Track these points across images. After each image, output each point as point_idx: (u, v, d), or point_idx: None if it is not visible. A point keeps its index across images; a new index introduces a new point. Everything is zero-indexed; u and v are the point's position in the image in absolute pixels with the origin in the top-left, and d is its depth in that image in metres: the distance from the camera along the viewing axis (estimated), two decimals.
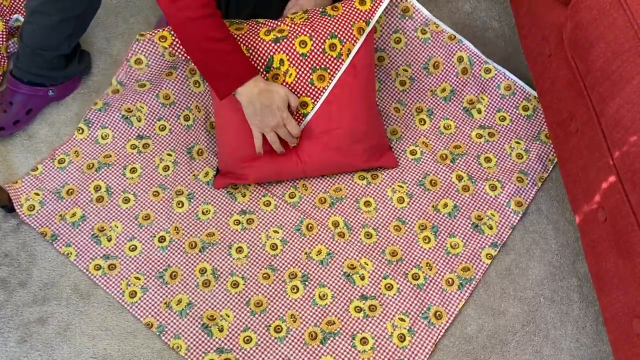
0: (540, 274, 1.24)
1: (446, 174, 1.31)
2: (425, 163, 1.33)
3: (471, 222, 1.27)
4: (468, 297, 1.20)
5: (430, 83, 1.40)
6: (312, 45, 1.19)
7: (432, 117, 1.38)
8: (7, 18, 1.46)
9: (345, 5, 1.24)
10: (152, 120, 1.33)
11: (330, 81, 1.20)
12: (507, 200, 1.29)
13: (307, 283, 1.20)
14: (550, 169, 1.34)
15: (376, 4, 1.23)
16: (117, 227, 1.25)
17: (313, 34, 1.20)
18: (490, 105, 1.39)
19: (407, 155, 1.34)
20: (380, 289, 1.20)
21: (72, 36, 1.32)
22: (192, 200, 1.29)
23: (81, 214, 1.26)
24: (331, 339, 1.15)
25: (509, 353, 1.16)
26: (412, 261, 1.23)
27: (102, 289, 1.20)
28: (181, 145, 1.33)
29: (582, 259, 1.25)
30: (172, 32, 1.20)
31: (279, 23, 1.21)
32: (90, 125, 1.33)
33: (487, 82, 1.39)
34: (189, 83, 1.35)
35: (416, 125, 1.38)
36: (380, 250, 1.24)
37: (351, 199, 1.29)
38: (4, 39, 1.43)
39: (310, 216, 1.27)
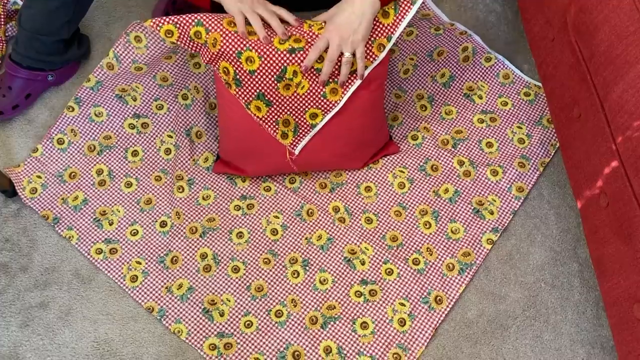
0: (541, 259, 1.23)
1: (447, 159, 1.31)
2: (427, 148, 1.32)
3: (472, 207, 1.26)
4: (468, 282, 1.20)
5: (431, 69, 1.39)
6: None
7: (433, 103, 1.37)
8: (5, 1, 1.44)
9: None
10: (149, 100, 1.32)
11: (343, 95, 1.16)
12: (508, 186, 1.29)
13: (307, 268, 1.20)
14: (552, 154, 1.33)
15: (400, 17, 1.12)
16: (119, 212, 1.25)
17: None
18: (491, 91, 1.38)
19: (409, 141, 1.33)
20: (380, 273, 1.20)
21: (72, 21, 1.31)
22: (192, 186, 1.28)
23: (83, 198, 1.25)
24: (331, 323, 1.16)
25: (509, 338, 1.16)
26: (412, 246, 1.23)
27: (103, 273, 1.20)
28: (180, 126, 1.32)
29: (583, 244, 1.25)
30: (178, 25, 1.12)
31: (295, 32, 1.12)
32: (81, 103, 1.31)
33: (486, 70, 1.39)
34: (189, 65, 1.34)
35: (417, 112, 1.37)
36: (381, 236, 1.24)
37: (352, 184, 1.29)
38: (2, 23, 1.42)
39: (310, 201, 1.27)
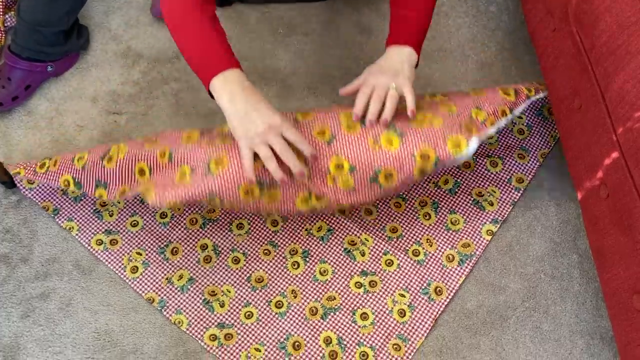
0: (541, 250, 1.24)
1: None
2: None
3: (472, 199, 1.26)
4: (468, 273, 1.21)
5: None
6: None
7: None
8: None
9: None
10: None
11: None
12: (508, 177, 1.29)
13: (307, 259, 1.21)
14: (553, 145, 1.33)
15: (519, 101, 1.12)
16: (119, 202, 1.25)
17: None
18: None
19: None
20: (380, 264, 1.20)
21: (71, 11, 1.31)
22: None
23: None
24: (332, 314, 1.16)
25: (508, 329, 1.16)
26: (412, 237, 1.23)
27: (103, 264, 1.21)
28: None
29: (583, 236, 1.25)
30: (27, 165, 1.13)
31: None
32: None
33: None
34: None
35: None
36: (381, 227, 1.24)
37: None
38: (1, 13, 1.41)
39: None
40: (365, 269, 1.20)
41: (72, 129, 1.36)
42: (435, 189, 1.27)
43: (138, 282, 1.18)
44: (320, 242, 1.22)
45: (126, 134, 1.36)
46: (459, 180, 1.28)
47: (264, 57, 1.46)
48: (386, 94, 1.02)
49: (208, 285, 1.18)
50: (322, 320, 1.16)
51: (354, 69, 1.45)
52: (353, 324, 1.15)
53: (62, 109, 1.38)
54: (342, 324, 1.15)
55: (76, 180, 1.12)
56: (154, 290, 1.17)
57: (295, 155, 0.97)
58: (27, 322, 1.15)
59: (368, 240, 1.22)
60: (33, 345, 1.13)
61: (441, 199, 1.26)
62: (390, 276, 1.19)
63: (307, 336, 1.14)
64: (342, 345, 1.14)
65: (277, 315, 1.16)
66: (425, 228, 1.24)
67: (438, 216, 1.25)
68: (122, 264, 1.19)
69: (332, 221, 1.24)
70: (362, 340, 1.14)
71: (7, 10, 1.44)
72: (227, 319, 1.15)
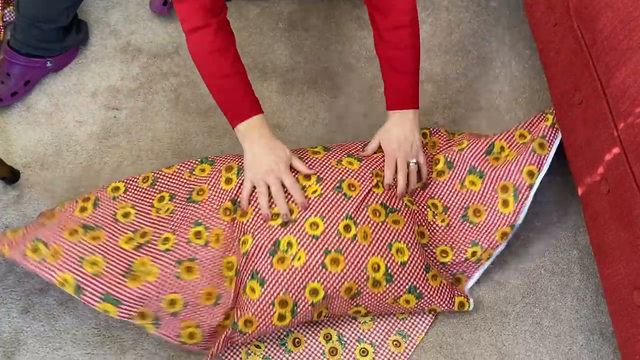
0: (541, 246, 1.23)
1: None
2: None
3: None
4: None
5: None
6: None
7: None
8: None
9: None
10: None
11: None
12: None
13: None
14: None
15: (520, 205, 1.17)
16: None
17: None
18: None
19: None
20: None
21: (71, 7, 1.30)
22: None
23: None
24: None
25: (508, 324, 1.16)
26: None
27: None
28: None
29: (583, 231, 1.25)
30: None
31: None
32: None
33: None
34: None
35: None
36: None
37: None
38: (0, 8, 1.41)
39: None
40: None
41: (71, 125, 1.36)
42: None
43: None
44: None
45: (126, 130, 1.35)
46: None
47: (265, 52, 1.45)
48: (408, 168, 1.16)
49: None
50: (322, 317, 1.15)
51: (354, 64, 1.44)
52: (353, 321, 1.15)
53: (62, 104, 1.37)
54: (342, 320, 1.15)
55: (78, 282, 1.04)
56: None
57: (286, 201, 1.09)
58: (27, 317, 1.15)
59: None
60: (33, 340, 1.13)
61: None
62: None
63: (307, 333, 1.14)
64: (342, 342, 1.14)
65: None
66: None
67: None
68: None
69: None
70: (362, 337, 1.14)
71: (6, 5, 1.43)
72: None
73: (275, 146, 1.10)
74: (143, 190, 1.20)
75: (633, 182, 0.92)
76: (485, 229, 1.17)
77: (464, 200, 1.20)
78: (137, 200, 1.18)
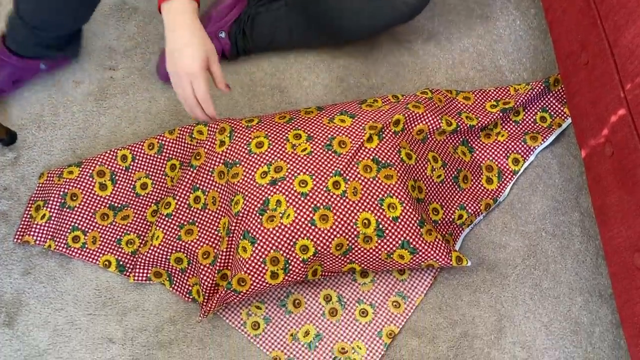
0: (543, 209, 1.23)
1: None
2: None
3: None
4: (469, 232, 1.20)
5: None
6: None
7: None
8: None
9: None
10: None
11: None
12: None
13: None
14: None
15: (503, 184, 1.21)
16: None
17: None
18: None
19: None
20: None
21: (79, 18, 1.20)
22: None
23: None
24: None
25: (508, 286, 1.17)
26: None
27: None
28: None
29: (585, 194, 1.24)
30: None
31: (276, 157, 1.09)
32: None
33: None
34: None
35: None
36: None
37: None
38: None
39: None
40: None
41: (68, 85, 1.34)
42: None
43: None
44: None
45: (123, 90, 1.33)
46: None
47: None
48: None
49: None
50: (322, 279, 1.16)
51: None
52: (353, 282, 1.16)
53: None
54: (342, 281, 1.16)
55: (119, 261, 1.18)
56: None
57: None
58: (29, 279, 1.16)
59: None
60: (35, 301, 1.14)
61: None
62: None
63: (307, 294, 1.15)
64: (342, 303, 1.14)
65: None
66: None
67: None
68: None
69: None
70: (361, 298, 1.15)
71: None
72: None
73: (192, 42, 0.96)
74: (152, 158, 1.21)
75: (638, 144, 0.91)
76: (472, 196, 1.21)
77: (457, 163, 1.21)
78: (150, 170, 1.21)
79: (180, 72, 0.97)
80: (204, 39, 0.97)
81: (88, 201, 1.18)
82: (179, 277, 1.15)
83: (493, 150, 1.24)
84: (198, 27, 0.97)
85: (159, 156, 1.21)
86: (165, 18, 0.97)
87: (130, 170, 1.20)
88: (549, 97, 1.29)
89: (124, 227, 1.19)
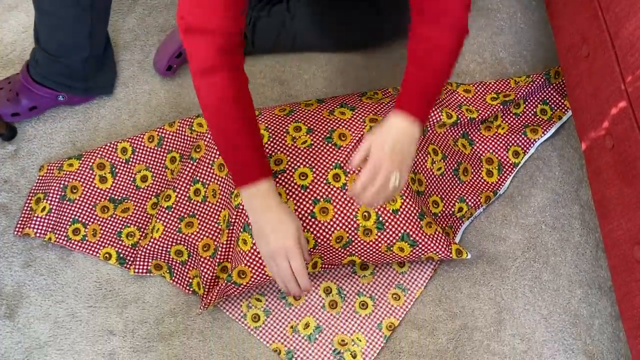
0: (543, 201, 1.23)
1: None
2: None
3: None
4: (469, 224, 1.20)
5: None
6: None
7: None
8: None
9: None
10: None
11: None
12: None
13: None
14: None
15: (503, 177, 1.22)
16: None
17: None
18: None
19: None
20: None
21: (94, 34, 1.17)
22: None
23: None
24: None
25: (508, 279, 1.17)
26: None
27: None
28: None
29: (585, 186, 1.24)
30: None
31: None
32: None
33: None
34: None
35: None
36: None
37: None
38: None
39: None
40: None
41: None
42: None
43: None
44: None
45: (123, 82, 1.33)
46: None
47: None
48: (387, 181, 0.94)
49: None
50: (322, 271, 1.16)
51: None
52: (353, 275, 1.16)
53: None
54: (342, 274, 1.16)
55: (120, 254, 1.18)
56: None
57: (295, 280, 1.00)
58: (29, 271, 1.16)
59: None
60: (35, 294, 1.14)
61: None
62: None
63: None
64: (342, 295, 1.14)
65: None
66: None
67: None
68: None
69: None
70: (361, 290, 1.15)
71: None
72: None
73: (282, 220, 0.97)
74: (151, 151, 1.21)
75: (639, 136, 0.91)
76: (472, 189, 1.21)
77: (457, 155, 1.21)
78: (150, 162, 1.21)
79: (276, 249, 0.97)
80: (292, 214, 0.98)
81: (88, 194, 1.18)
82: (179, 270, 1.15)
83: (493, 143, 1.24)
84: (284, 205, 0.98)
85: (159, 149, 1.21)
86: (246, 202, 0.97)
87: (130, 163, 1.20)
88: (549, 89, 1.29)
89: (124, 219, 1.19)
